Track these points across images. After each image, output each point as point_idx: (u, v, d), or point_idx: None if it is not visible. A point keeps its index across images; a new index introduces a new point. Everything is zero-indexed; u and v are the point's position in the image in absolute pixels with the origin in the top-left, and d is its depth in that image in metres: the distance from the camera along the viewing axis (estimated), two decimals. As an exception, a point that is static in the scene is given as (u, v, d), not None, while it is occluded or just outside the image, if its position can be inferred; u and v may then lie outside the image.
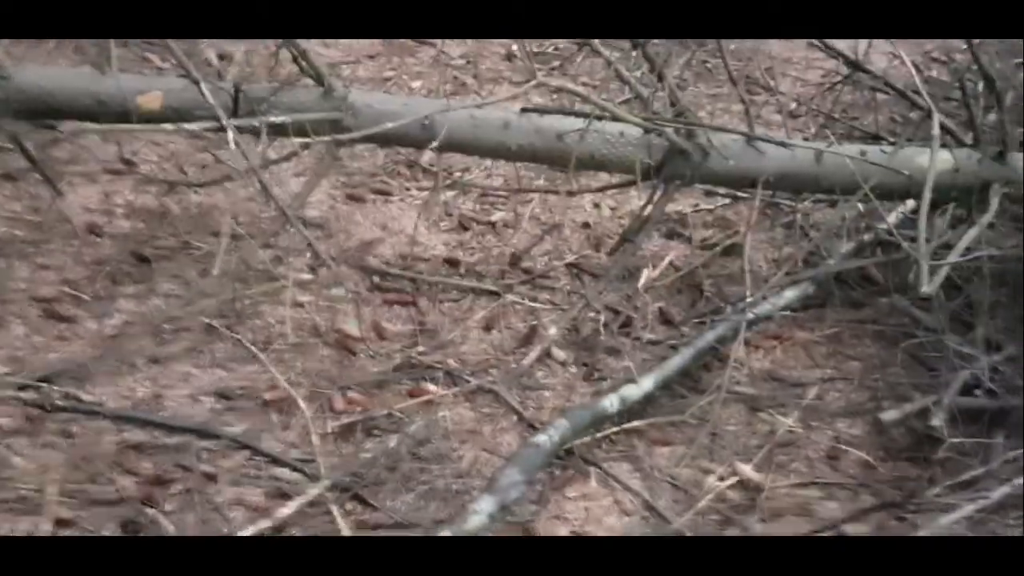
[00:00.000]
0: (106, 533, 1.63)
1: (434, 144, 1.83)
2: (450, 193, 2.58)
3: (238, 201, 2.50)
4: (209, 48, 2.91)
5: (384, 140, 2.03)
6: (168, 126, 1.73)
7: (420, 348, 2.07)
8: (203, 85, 1.70)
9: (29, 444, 1.78)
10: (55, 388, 1.89)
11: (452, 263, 2.35)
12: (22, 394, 1.87)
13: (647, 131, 1.98)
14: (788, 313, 2.02)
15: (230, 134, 1.67)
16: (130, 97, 1.94)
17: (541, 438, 1.73)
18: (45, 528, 1.62)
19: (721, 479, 1.69)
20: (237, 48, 2.54)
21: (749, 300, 1.94)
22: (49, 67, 2.21)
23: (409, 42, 3.45)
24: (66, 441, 1.79)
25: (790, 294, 2.03)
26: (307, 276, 2.25)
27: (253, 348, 2.03)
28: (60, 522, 1.64)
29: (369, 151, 2.68)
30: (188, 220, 2.43)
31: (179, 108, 1.93)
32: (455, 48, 3.27)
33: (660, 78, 1.98)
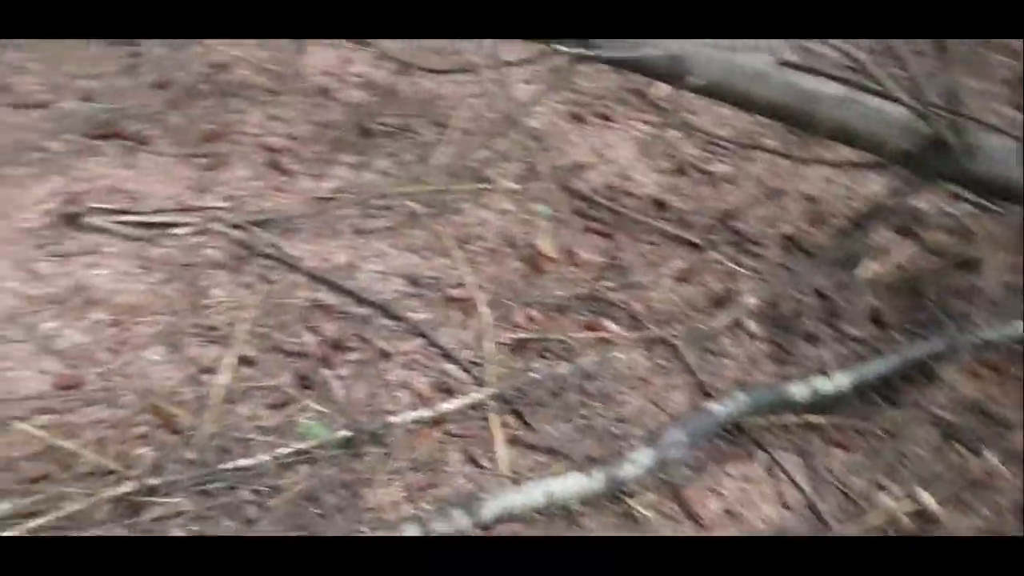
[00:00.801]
0: (281, 381, 1.70)
1: (691, 81, 1.73)
2: (674, 133, 2.49)
3: (465, 96, 2.51)
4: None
5: (625, 64, 1.95)
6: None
7: (608, 283, 2.02)
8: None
9: (230, 280, 1.88)
10: (264, 234, 1.98)
11: (660, 205, 2.26)
12: (233, 232, 1.96)
13: (915, 115, 1.81)
14: (1015, 347, 1.82)
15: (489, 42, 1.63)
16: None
17: (715, 406, 1.66)
18: (228, 362, 1.71)
19: (897, 501, 1.57)
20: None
21: (977, 321, 1.77)
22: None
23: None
24: (263, 286, 1.87)
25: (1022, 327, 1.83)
26: (514, 185, 2.24)
27: (449, 243, 2.04)
28: (243, 360, 1.73)
29: (601, 73, 2.60)
30: (415, 103, 2.46)
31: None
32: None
33: (940, 60, 1.79)
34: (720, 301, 2.00)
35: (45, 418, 1.53)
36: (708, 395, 1.78)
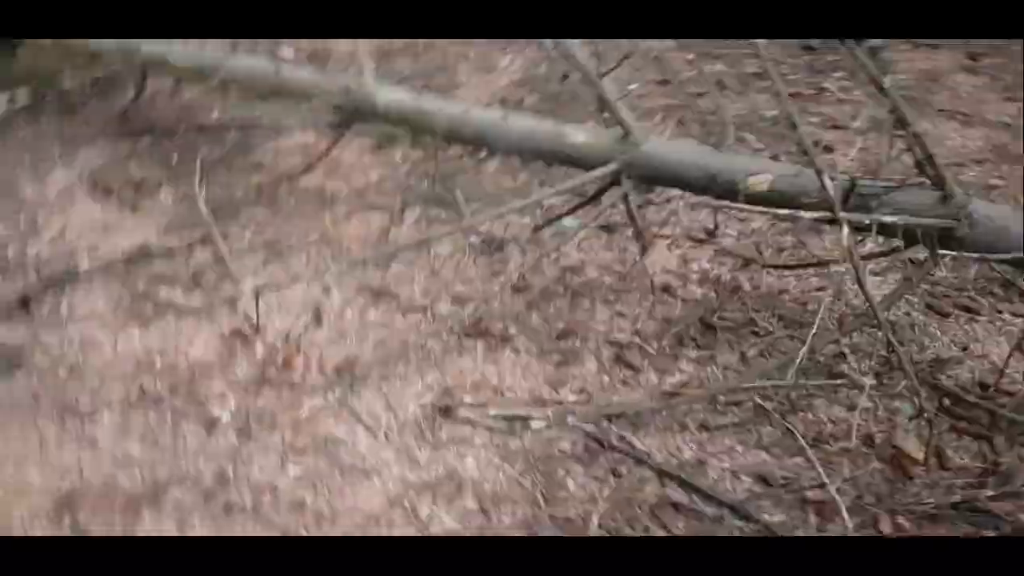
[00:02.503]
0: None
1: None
2: (1052, 325, 2.26)
3: (809, 289, 2.48)
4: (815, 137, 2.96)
5: (998, 259, 1.84)
6: (782, 211, 1.75)
7: (988, 492, 1.82)
8: (825, 176, 1.69)
9: (583, 473, 1.94)
10: (613, 428, 2.04)
11: (1044, 404, 2.04)
12: (585, 425, 2.04)
13: None
14: None
15: (844, 229, 1.63)
16: (741, 176, 2.01)
17: None
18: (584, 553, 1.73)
19: None
20: (853, 141, 2.51)
21: None
22: (674, 141, 2.41)
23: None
24: (614, 479, 1.91)
25: None
26: (870, 381, 2.13)
27: (803, 441, 1.97)
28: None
29: (958, 263, 2.46)
30: (758, 298, 2.47)
31: (785, 192, 1.96)
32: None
33: None
34: None
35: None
36: None
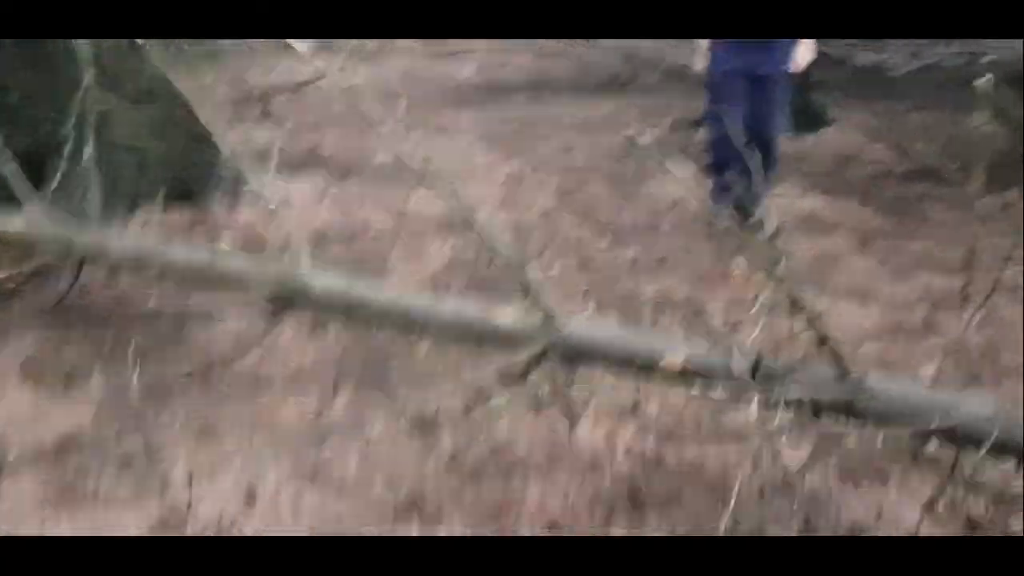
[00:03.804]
0: None
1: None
2: (959, 491, 2.38)
3: (728, 463, 2.57)
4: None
5: (900, 427, 1.98)
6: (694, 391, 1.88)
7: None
8: (735, 355, 1.83)
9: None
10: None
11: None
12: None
13: None
14: None
15: (753, 405, 1.77)
16: (656, 354, 2.15)
17: None
18: None
19: None
20: (757, 321, 2.68)
21: None
22: (594, 321, 2.55)
23: (918, 325, 3.38)
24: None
25: None
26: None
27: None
28: None
29: (869, 433, 2.60)
30: (682, 472, 2.55)
31: (698, 369, 2.10)
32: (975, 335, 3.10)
33: None
34: None
35: None
36: None
